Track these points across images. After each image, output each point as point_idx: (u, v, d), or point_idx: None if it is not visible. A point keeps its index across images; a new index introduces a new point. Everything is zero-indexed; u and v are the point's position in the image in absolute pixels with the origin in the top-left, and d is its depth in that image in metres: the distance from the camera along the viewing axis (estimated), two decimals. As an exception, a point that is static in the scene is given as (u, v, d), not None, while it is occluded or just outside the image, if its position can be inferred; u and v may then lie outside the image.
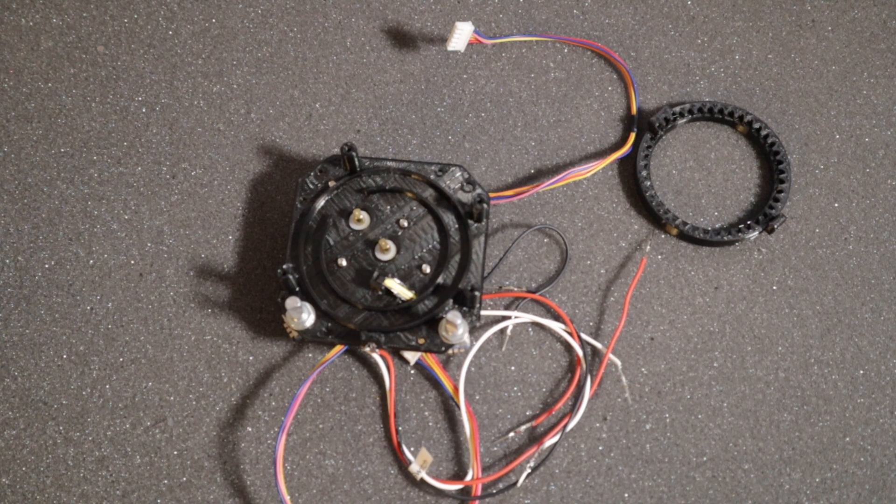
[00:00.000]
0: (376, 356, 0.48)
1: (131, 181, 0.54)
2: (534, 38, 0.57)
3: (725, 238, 0.52)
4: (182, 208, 0.54)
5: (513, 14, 0.58)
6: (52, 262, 0.52)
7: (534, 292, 0.51)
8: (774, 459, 0.49)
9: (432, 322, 0.46)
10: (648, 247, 0.53)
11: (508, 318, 0.50)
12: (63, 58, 0.57)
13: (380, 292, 0.47)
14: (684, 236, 0.52)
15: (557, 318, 0.51)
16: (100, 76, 0.56)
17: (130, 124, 0.55)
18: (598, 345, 0.50)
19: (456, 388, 0.48)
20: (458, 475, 0.48)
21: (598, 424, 0.49)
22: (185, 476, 0.48)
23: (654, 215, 0.53)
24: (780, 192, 0.53)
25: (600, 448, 0.49)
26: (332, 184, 0.49)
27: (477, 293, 0.46)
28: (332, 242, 0.48)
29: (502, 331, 0.51)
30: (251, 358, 0.50)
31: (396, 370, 0.50)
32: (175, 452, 0.49)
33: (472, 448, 0.47)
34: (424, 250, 0.48)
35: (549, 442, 0.48)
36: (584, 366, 0.50)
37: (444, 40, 0.56)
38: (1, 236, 0.53)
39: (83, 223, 0.53)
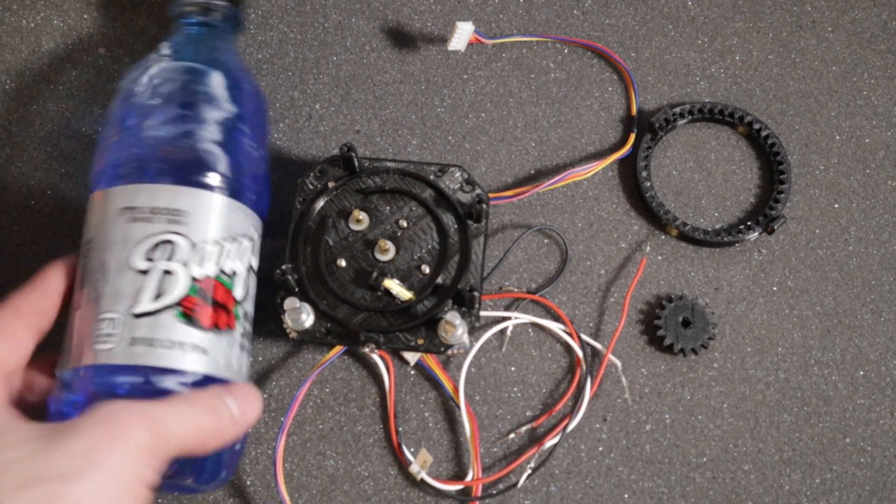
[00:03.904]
0: (375, 357, 0.48)
1: (132, 182, 0.54)
2: (534, 39, 0.57)
3: (725, 239, 0.52)
4: (182, 209, 0.54)
5: (513, 14, 0.58)
6: (53, 263, 0.52)
7: (534, 293, 0.51)
8: (774, 460, 0.49)
9: (431, 323, 0.46)
10: (648, 247, 0.53)
11: (508, 318, 0.50)
12: (64, 59, 0.57)
13: (379, 293, 0.47)
14: (684, 237, 0.52)
15: (557, 318, 0.51)
16: (101, 78, 0.57)
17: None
18: (598, 345, 0.50)
19: (456, 389, 0.48)
20: (459, 476, 0.48)
21: (598, 425, 0.49)
22: (185, 476, 0.48)
23: (654, 216, 0.53)
24: (781, 192, 0.53)
25: (600, 449, 0.49)
26: (331, 184, 0.49)
27: (476, 294, 0.46)
28: (331, 243, 0.48)
29: (502, 331, 0.51)
30: (250, 359, 0.50)
31: (396, 371, 0.50)
32: (175, 453, 0.49)
33: (473, 449, 0.47)
34: (424, 251, 0.48)
35: (550, 443, 0.48)
36: (584, 366, 0.50)
37: (444, 40, 0.57)
38: (2, 239, 0.53)
39: (84, 224, 0.53)
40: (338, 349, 0.48)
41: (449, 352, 0.47)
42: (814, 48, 0.58)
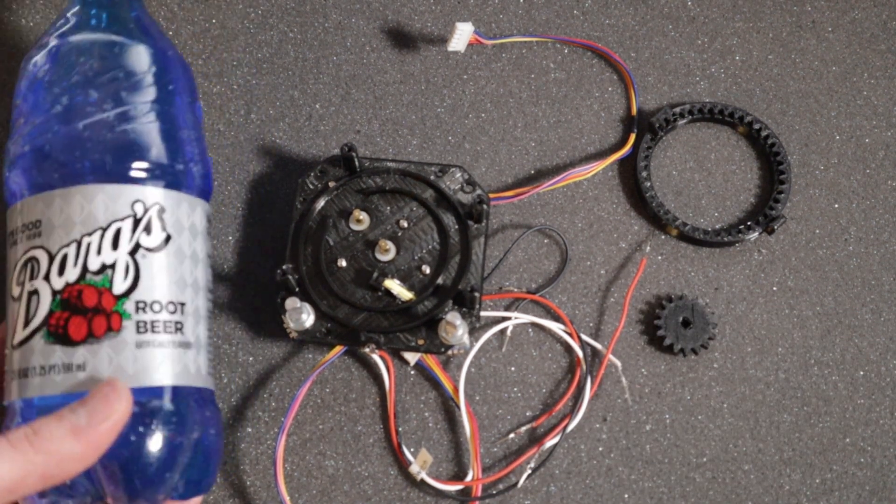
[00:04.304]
0: (376, 357, 0.48)
1: (131, 182, 0.54)
2: (534, 39, 0.57)
3: (725, 239, 0.52)
4: (182, 209, 0.53)
5: (513, 15, 0.58)
6: (53, 263, 0.52)
7: (534, 293, 0.51)
8: (774, 460, 0.49)
9: (432, 323, 0.46)
10: (648, 247, 0.53)
11: (508, 318, 0.50)
12: (63, 58, 0.57)
13: (379, 293, 0.47)
14: (684, 237, 0.52)
15: (557, 318, 0.51)
16: (100, 77, 0.56)
17: (130, 125, 0.55)
18: (598, 345, 0.50)
19: (456, 389, 0.48)
20: (459, 476, 0.48)
21: (598, 425, 0.49)
22: (185, 477, 0.48)
23: (654, 216, 0.53)
24: (781, 192, 0.53)
25: (600, 449, 0.49)
26: (332, 184, 0.49)
27: (477, 294, 0.46)
28: (331, 243, 0.48)
29: (502, 331, 0.51)
30: (251, 359, 0.50)
31: (396, 371, 0.50)
32: (175, 453, 0.49)
33: (473, 449, 0.47)
34: (424, 251, 0.48)
35: (550, 443, 0.48)
36: (584, 367, 0.50)
37: (444, 41, 0.56)
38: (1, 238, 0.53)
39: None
40: (338, 349, 0.48)
41: (449, 352, 0.47)
42: (814, 48, 0.58)
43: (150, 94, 0.41)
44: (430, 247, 0.48)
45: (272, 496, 0.48)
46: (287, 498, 0.45)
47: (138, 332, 0.38)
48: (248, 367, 0.50)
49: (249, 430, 0.49)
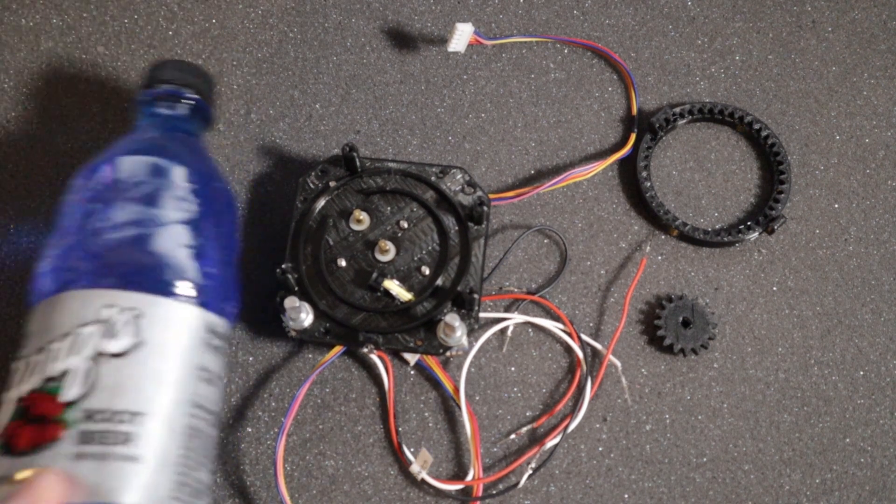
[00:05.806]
0: (374, 357, 0.48)
1: (131, 182, 0.54)
2: (534, 39, 0.57)
3: (725, 239, 0.52)
4: (182, 209, 0.53)
5: (513, 15, 0.58)
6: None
7: (533, 293, 0.51)
8: (774, 460, 0.49)
9: (430, 324, 0.46)
10: (648, 247, 0.53)
11: (508, 319, 0.50)
12: (63, 58, 0.57)
13: (378, 293, 0.47)
14: (684, 237, 0.52)
15: (557, 319, 0.51)
16: (100, 77, 0.56)
17: (131, 126, 0.55)
18: (598, 346, 0.50)
19: (456, 389, 0.48)
20: (459, 476, 0.48)
21: (598, 425, 0.49)
22: (185, 477, 0.48)
23: (654, 216, 0.53)
24: (781, 192, 0.53)
25: (600, 449, 0.49)
26: (332, 184, 0.49)
27: (476, 296, 0.46)
28: (331, 243, 0.48)
29: (502, 332, 0.51)
30: (251, 359, 0.50)
31: (397, 370, 0.50)
32: (175, 453, 0.49)
33: (473, 448, 0.47)
34: (424, 252, 0.48)
35: (550, 443, 0.48)
36: (584, 367, 0.50)
37: (444, 41, 0.56)
38: (1, 237, 0.53)
39: (83, 224, 0.53)
40: (338, 349, 0.48)
41: (447, 353, 0.47)
42: (814, 48, 0.58)
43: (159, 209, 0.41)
44: (429, 248, 0.48)
45: (272, 496, 0.48)
46: (287, 498, 0.45)
47: (78, 441, 0.35)
48: (248, 367, 0.50)
49: (249, 430, 0.49)
